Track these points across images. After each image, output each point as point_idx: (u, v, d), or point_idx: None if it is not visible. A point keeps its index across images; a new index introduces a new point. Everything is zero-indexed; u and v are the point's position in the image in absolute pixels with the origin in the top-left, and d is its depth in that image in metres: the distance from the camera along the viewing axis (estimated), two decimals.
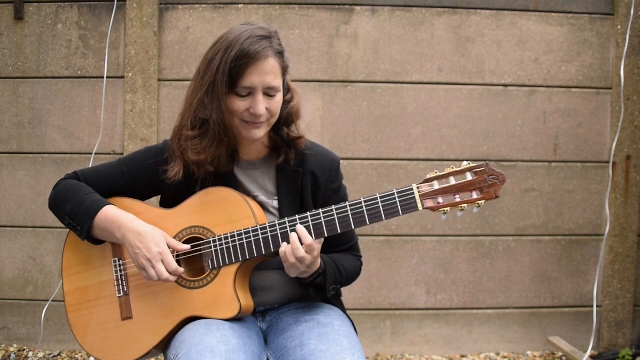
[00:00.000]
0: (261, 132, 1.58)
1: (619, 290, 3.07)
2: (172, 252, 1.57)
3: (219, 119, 1.54)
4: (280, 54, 1.55)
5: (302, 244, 1.48)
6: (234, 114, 1.55)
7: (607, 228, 3.03)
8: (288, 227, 1.52)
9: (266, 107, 1.54)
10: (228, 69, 1.49)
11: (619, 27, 3.02)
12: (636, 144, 3.04)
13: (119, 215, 1.59)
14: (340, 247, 1.72)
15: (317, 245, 1.50)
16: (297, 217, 1.52)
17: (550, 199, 3.08)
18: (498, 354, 3.10)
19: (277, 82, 1.54)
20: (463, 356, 3.09)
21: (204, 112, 1.54)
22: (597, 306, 3.06)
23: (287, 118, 1.64)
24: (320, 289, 1.64)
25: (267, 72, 1.51)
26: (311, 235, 1.50)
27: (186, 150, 1.58)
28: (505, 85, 3.05)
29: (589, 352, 2.96)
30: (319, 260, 1.57)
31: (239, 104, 1.53)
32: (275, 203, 1.68)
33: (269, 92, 1.54)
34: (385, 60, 3.01)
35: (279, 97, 1.57)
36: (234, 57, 1.48)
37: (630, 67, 3.01)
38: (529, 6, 3.03)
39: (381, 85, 3.01)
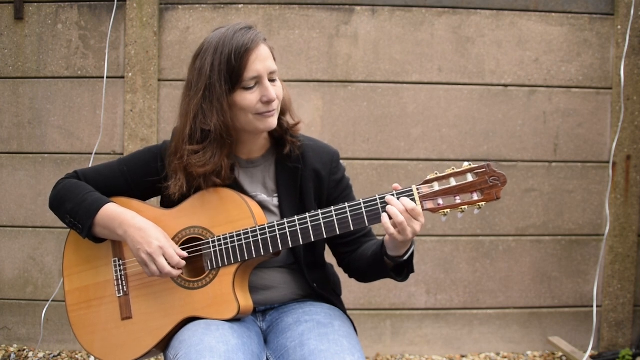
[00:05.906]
0: (275, 120, 1.58)
1: (619, 290, 3.07)
2: None
3: (220, 121, 1.52)
4: (265, 40, 1.57)
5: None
6: (246, 109, 1.54)
7: (607, 228, 3.02)
8: (287, 229, 1.52)
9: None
10: (226, 67, 1.50)
11: (619, 27, 3.02)
12: (636, 144, 3.03)
13: (121, 213, 1.59)
14: (358, 234, 1.71)
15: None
16: (295, 218, 1.52)
17: (550, 199, 3.08)
18: (498, 354, 3.10)
19: (276, 66, 1.57)
20: (463, 356, 3.09)
21: (203, 121, 1.53)
22: (597, 306, 3.06)
23: (282, 108, 1.64)
24: (402, 267, 1.59)
25: (266, 57, 1.53)
26: (310, 238, 1.51)
27: (190, 165, 1.55)
28: (505, 85, 3.05)
29: (589, 352, 2.96)
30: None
31: (250, 97, 1.53)
32: (276, 200, 1.68)
33: (271, 77, 1.55)
34: (385, 60, 3.01)
35: (279, 82, 1.59)
36: (229, 54, 1.49)
37: (630, 67, 3.01)
38: (529, 6, 3.03)
39: (381, 85, 3.01)
